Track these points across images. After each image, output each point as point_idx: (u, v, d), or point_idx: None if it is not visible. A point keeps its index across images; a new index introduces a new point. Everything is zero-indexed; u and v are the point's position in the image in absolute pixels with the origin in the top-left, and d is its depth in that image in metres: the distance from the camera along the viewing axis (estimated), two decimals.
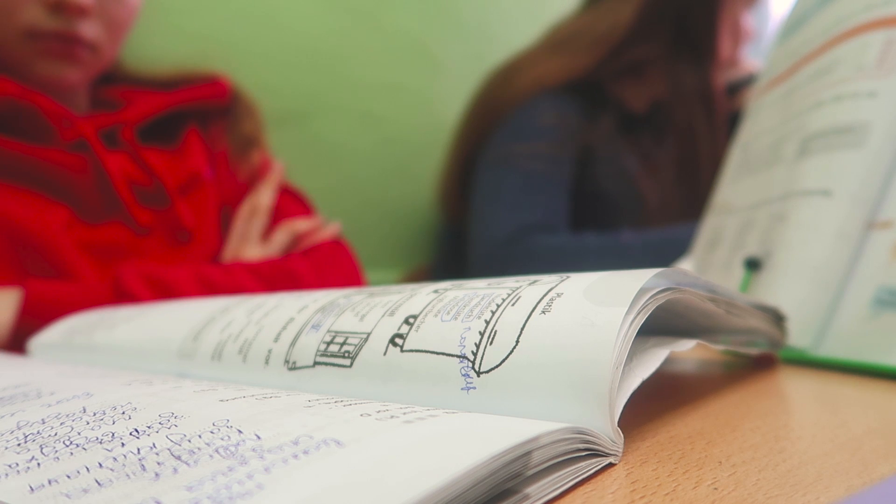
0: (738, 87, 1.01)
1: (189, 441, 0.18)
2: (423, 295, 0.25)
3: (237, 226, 0.68)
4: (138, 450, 0.18)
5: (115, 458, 0.17)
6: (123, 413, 0.21)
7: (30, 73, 0.60)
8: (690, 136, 0.94)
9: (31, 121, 0.59)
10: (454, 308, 0.23)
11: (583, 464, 0.18)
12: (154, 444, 0.18)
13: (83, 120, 0.61)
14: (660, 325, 0.26)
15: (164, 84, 0.71)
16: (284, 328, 0.28)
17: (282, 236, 0.68)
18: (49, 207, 0.59)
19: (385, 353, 0.24)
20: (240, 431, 0.18)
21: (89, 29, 0.59)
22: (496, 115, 0.93)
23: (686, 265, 0.54)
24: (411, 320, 0.24)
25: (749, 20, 1.01)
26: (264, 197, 0.69)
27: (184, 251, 0.64)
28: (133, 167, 0.63)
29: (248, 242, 0.67)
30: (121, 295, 0.53)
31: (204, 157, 0.69)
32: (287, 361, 0.27)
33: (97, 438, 0.19)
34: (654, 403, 0.26)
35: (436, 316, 0.24)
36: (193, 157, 0.68)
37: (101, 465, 0.17)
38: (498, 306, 0.22)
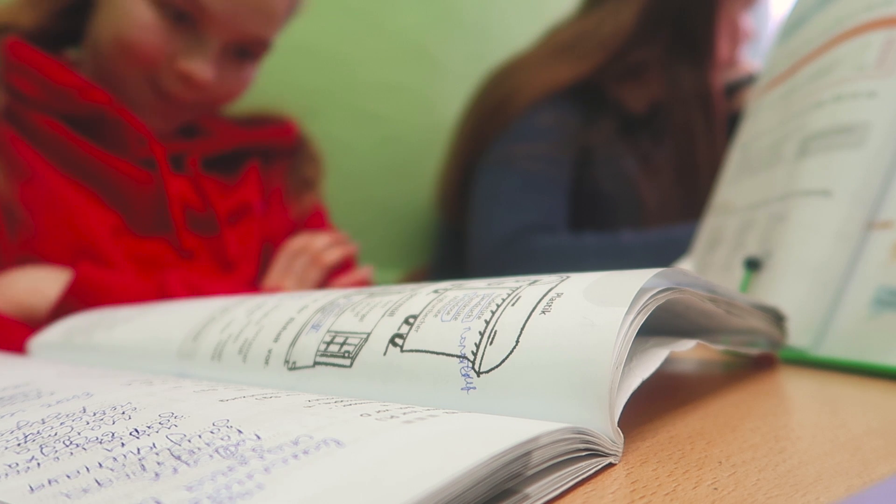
0: (737, 88, 1.01)
1: (189, 441, 0.18)
2: (423, 295, 0.25)
3: (280, 260, 0.70)
4: (138, 450, 0.18)
5: (115, 458, 0.17)
6: (123, 413, 0.21)
7: (130, 112, 0.63)
8: (689, 137, 0.94)
9: (112, 130, 0.62)
10: (454, 308, 0.23)
11: (583, 464, 0.18)
12: (154, 444, 0.18)
13: (157, 143, 0.64)
14: (660, 325, 0.26)
15: (241, 121, 0.75)
16: (284, 328, 0.28)
17: (314, 273, 0.69)
18: (102, 209, 0.62)
19: (385, 354, 0.24)
20: (240, 431, 0.18)
21: (207, 97, 0.64)
22: (501, 120, 0.93)
23: (686, 265, 0.54)
24: (411, 320, 0.24)
25: (747, 21, 1.01)
26: (331, 254, 0.71)
27: (223, 277, 0.66)
28: (192, 192, 0.67)
29: (289, 278, 0.69)
30: (163, 296, 0.55)
31: (258, 191, 0.73)
32: (287, 361, 0.27)
33: (97, 438, 0.19)
34: (654, 403, 0.26)
35: (436, 316, 0.24)
36: (248, 190, 0.71)
37: (101, 465, 0.17)
38: (498, 306, 0.22)
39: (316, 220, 0.78)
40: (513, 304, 0.22)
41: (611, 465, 0.19)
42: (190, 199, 0.66)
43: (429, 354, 0.23)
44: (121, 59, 0.61)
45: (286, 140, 0.76)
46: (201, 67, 0.61)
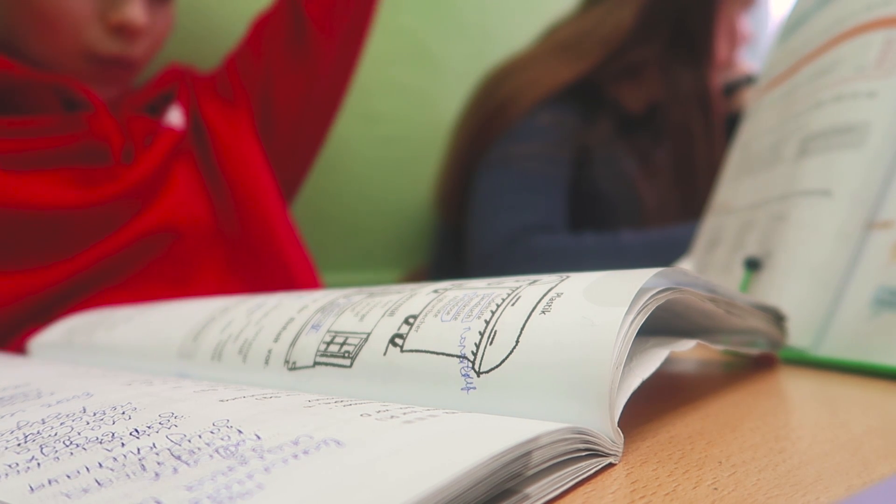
0: (735, 89, 1.01)
1: (189, 441, 0.18)
2: (422, 295, 0.25)
3: None
4: (138, 450, 0.18)
5: (115, 458, 0.17)
6: (123, 413, 0.21)
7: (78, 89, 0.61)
8: (687, 137, 0.94)
9: (26, 99, 0.59)
10: (454, 308, 0.23)
11: (583, 464, 0.18)
12: (154, 444, 0.18)
13: (76, 81, 0.61)
14: (660, 325, 0.26)
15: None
16: (284, 328, 0.28)
17: None
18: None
19: (385, 354, 0.24)
20: (240, 431, 0.18)
21: (140, 48, 0.62)
22: (503, 122, 0.92)
23: (686, 265, 0.54)
24: (411, 320, 0.24)
25: (745, 23, 1.01)
26: None
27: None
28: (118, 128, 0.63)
29: None
30: None
31: (180, 116, 0.70)
32: (287, 361, 0.27)
33: (97, 438, 0.19)
34: (654, 403, 0.26)
35: (436, 316, 0.24)
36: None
37: (101, 465, 0.17)
38: (498, 306, 0.22)
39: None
40: (513, 304, 0.22)
41: (611, 465, 0.19)
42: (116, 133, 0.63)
43: (429, 354, 0.23)
44: (49, 39, 0.58)
45: (176, 76, 0.73)
46: (135, 12, 0.58)
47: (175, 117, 0.68)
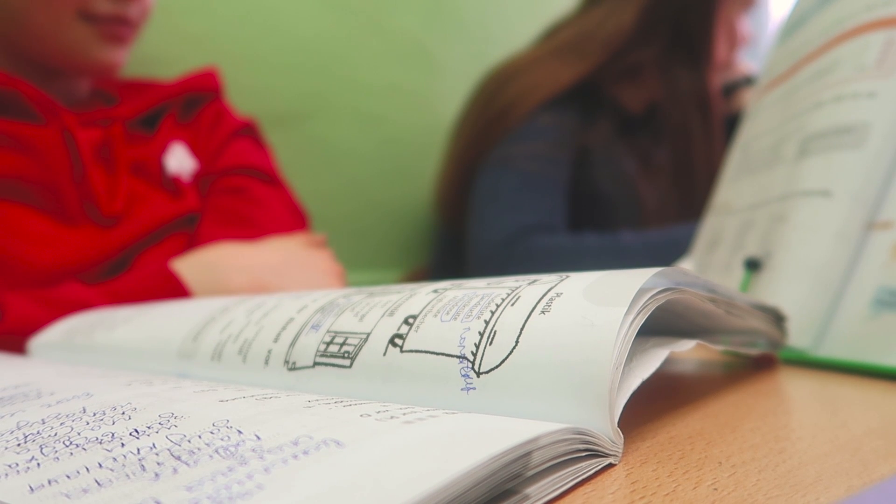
0: (734, 89, 1.01)
1: (189, 441, 0.18)
2: (422, 295, 0.25)
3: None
4: (138, 450, 0.18)
5: (114, 459, 0.17)
6: (123, 413, 0.21)
7: (83, 58, 0.61)
8: (686, 138, 0.94)
9: (16, 106, 0.59)
10: (454, 308, 0.23)
11: (583, 464, 0.18)
12: (154, 445, 0.18)
13: (68, 112, 0.60)
14: (659, 325, 0.26)
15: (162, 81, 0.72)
16: (284, 328, 0.28)
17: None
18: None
19: (385, 354, 0.24)
20: (240, 432, 0.18)
21: (135, 9, 0.62)
22: (505, 125, 0.92)
23: (686, 265, 0.54)
24: (411, 320, 0.24)
25: (745, 24, 1.01)
26: None
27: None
28: (101, 143, 0.62)
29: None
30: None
31: (180, 137, 0.69)
32: (287, 362, 0.27)
33: (97, 439, 0.19)
34: (654, 404, 0.26)
35: (435, 316, 0.24)
36: (161, 140, 0.67)
37: (100, 465, 0.17)
38: (497, 306, 0.22)
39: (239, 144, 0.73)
40: (512, 304, 0.22)
41: (611, 465, 0.19)
42: (99, 148, 0.62)
43: (428, 355, 0.23)
44: (46, 6, 0.57)
45: (209, 84, 0.72)
46: None
47: (181, 160, 0.67)
